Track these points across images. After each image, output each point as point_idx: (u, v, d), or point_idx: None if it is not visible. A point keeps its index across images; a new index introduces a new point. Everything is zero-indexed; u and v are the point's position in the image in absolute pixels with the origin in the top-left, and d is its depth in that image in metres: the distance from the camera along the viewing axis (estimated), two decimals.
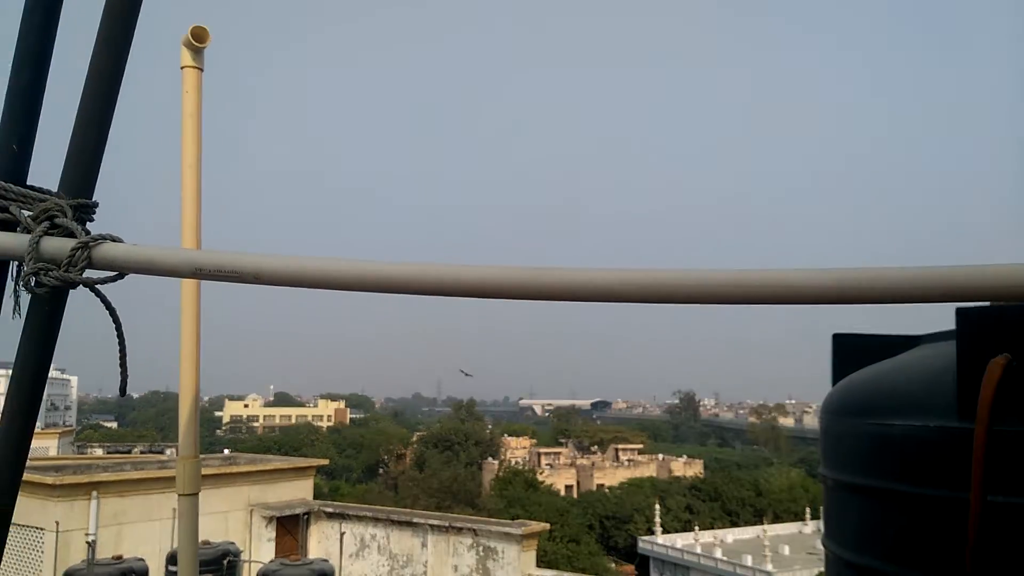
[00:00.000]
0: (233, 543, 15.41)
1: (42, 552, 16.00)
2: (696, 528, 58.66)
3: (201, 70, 1.98)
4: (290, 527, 18.71)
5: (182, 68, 1.96)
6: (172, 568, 13.93)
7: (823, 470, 1.80)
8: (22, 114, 1.12)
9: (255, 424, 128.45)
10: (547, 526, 20.10)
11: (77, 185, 1.10)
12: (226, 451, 29.64)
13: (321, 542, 19.24)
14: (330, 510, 19.21)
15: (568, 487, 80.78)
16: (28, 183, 1.12)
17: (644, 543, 59.99)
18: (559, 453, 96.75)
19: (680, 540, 58.01)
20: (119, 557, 13.33)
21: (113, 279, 1.04)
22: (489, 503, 54.90)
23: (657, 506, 62.19)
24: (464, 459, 74.02)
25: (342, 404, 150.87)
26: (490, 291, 0.82)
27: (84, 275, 1.01)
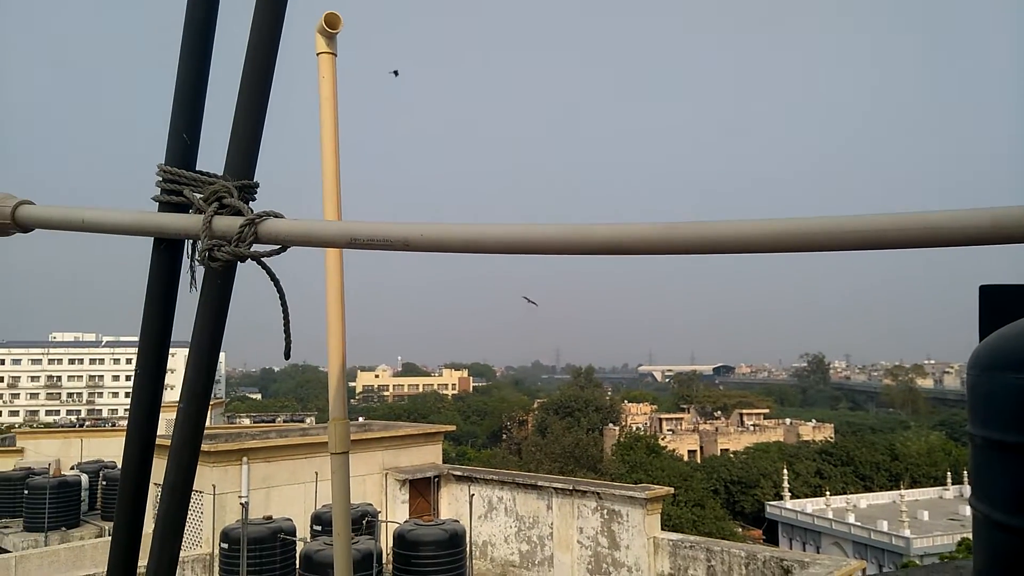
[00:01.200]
0: (371, 504, 16.26)
1: (202, 513, 17.49)
2: (827, 493, 56.59)
3: (335, 55, 2.09)
4: (422, 489, 19.51)
5: (317, 55, 2.07)
6: (316, 527, 14.90)
7: (971, 429, 1.71)
8: (190, 106, 1.23)
9: (385, 393, 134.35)
10: (671, 490, 20.00)
11: (240, 168, 1.21)
12: (360, 419, 31.17)
13: (451, 504, 19.96)
14: (458, 473, 19.86)
15: (691, 452, 79.85)
16: (196, 168, 1.23)
17: (772, 508, 58.56)
18: (681, 419, 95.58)
19: (810, 505, 56.19)
20: (269, 517, 14.35)
21: (276, 252, 1.14)
22: (611, 468, 55.12)
23: (785, 471, 60.47)
24: (585, 425, 74.49)
25: (465, 373, 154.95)
26: (628, 247, 0.84)
27: (251, 249, 1.12)
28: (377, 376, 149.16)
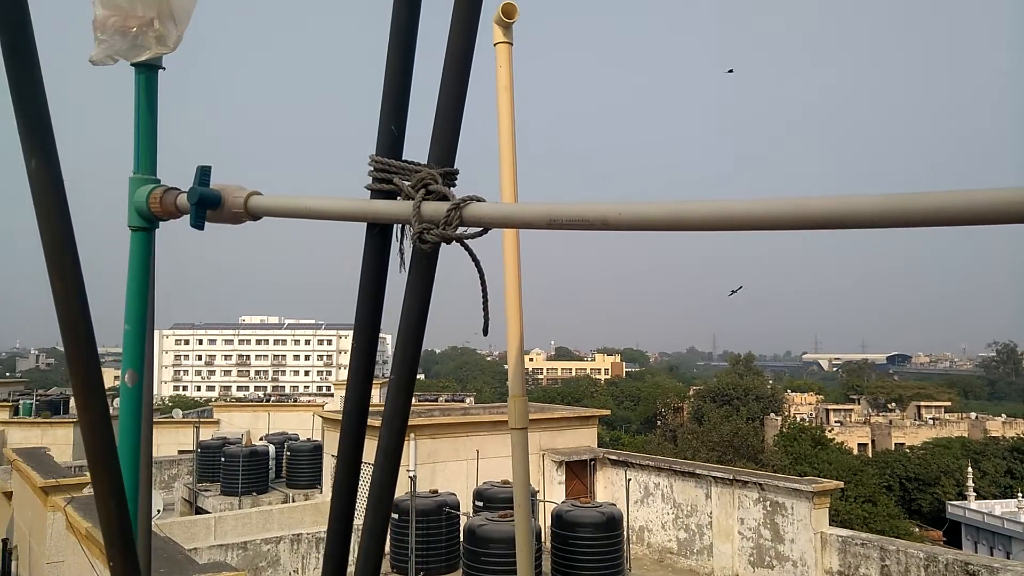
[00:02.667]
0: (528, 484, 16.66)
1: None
2: (1020, 495, 51.26)
3: (511, 44, 2.16)
4: (578, 472, 19.69)
5: (495, 44, 2.15)
6: (478, 503, 15.46)
7: None
8: (397, 99, 1.33)
9: (539, 376, 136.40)
10: (840, 484, 18.91)
11: (443, 156, 1.30)
12: None
13: (607, 487, 20.01)
14: (614, 457, 19.85)
15: (861, 446, 74.99)
16: (403, 158, 1.34)
17: (954, 508, 53.93)
18: (850, 410, 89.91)
19: (999, 507, 51.16)
20: (435, 491, 15.05)
21: (479, 234, 1.21)
22: (773, 459, 52.92)
23: (970, 469, 55.48)
24: (744, 414, 71.94)
25: (618, 358, 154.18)
26: (853, 220, 0.82)
27: (457, 231, 1.20)
28: (531, 359, 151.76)
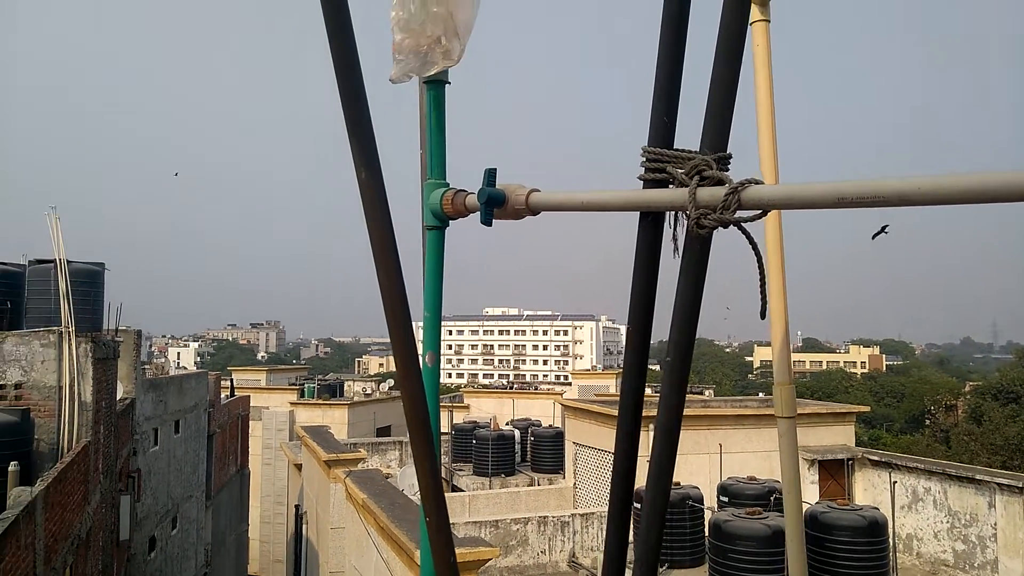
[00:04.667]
0: (778, 481, 15.88)
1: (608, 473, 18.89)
2: None
3: (769, 22, 2.11)
4: (833, 471, 18.41)
5: (751, 23, 2.11)
6: (722, 498, 15.05)
7: None
8: (669, 90, 1.38)
9: None
10: None
11: (716, 141, 1.32)
12: (760, 394, 30.49)
13: (867, 490, 18.50)
14: (875, 458, 18.30)
15: None
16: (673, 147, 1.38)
17: None
18: None
19: None
20: (676, 484, 14.88)
21: (758, 217, 1.22)
22: None
23: None
24: None
25: (876, 350, 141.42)
26: None
27: (735, 215, 1.21)
28: None
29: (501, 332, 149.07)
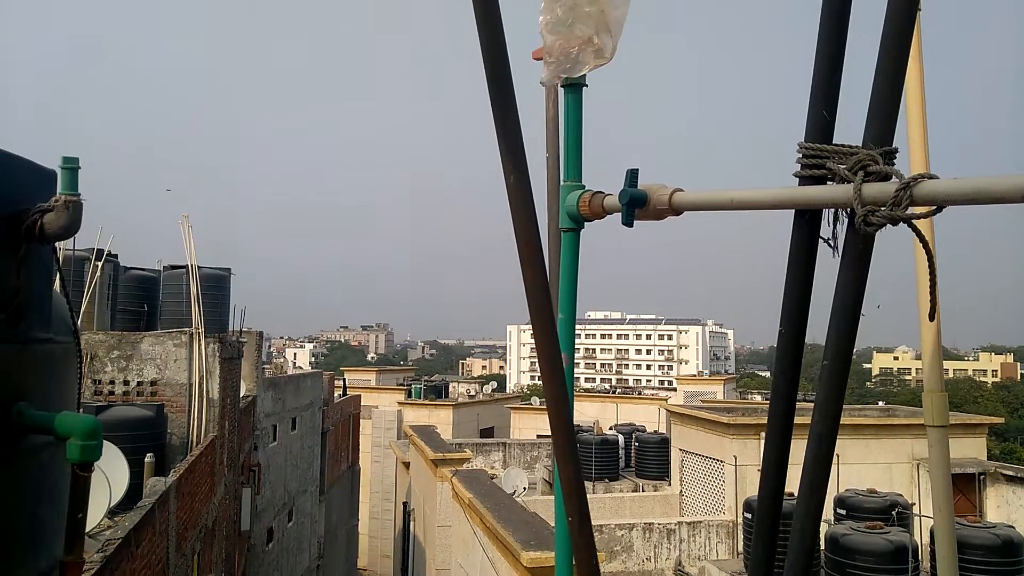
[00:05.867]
0: (901, 495, 15.01)
1: (723, 482, 18.38)
2: None
3: (919, 10, 1.99)
4: (961, 486, 17.25)
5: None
6: (840, 511, 14.37)
7: None
8: (828, 84, 1.32)
9: (906, 377, 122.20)
10: None
11: (881, 135, 1.25)
12: (880, 403, 28.95)
13: (1000, 507, 17.26)
14: (1010, 473, 17.05)
15: None
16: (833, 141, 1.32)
17: None
18: None
19: None
20: (790, 494, 14.29)
21: (931, 213, 1.15)
22: None
23: None
24: None
25: (1010, 357, 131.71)
26: None
27: (906, 212, 1.15)
28: (896, 358, 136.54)
29: (603, 336, 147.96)
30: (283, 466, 21.52)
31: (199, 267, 13.80)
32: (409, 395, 38.39)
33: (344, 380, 39.71)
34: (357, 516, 33.83)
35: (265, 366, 23.15)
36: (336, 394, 31.71)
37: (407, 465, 22.49)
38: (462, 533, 12.86)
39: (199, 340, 12.39)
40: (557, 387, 1.57)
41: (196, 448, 11.79)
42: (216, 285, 14.70)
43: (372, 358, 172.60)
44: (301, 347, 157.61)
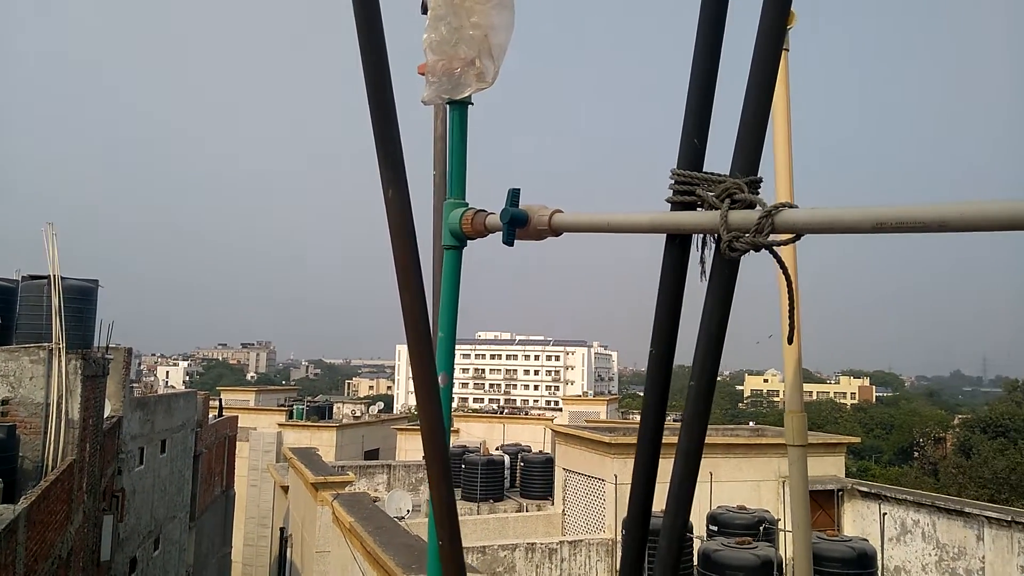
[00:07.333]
0: (767, 511, 15.78)
1: (604, 500, 18.74)
2: None
3: (787, 51, 2.12)
4: (822, 502, 18.33)
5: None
6: (712, 527, 14.93)
7: None
8: (700, 113, 1.38)
9: (775, 399, 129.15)
10: None
11: (747, 165, 1.31)
12: (751, 423, 30.44)
13: (856, 521, 18.43)
14: (865, 489, 18.26)
15: None
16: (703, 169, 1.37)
17: None
18: None
19: None
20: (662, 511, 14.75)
21: (791, 241, 1.21)
22: None
23: None
24: (1023, 447, 62.53)
25: (866, 381, 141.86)
26: None
27: (768, 239, 1.20)
28: (766, 380, 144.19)
29: (493, 356, 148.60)
30: (150, 491, 20.25)
31: (63, 278, 12.87)
32: (290, 416, 37.05)
33: (220, 400, 37.91)
34: (230, 543, 32.22)
35: (134, 385, 21.77)
36: (211, 415, 30.22)
37: (286, 489, 21.68)
38: (342, 558, 12.49)
39: (59, 356, 11.53)
40: (433, 410, 1.54)
41: (51, 473, 10.92)
42: (81, 297, 13.71)
43: (252, 377, 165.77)
44: (175, 365, 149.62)
